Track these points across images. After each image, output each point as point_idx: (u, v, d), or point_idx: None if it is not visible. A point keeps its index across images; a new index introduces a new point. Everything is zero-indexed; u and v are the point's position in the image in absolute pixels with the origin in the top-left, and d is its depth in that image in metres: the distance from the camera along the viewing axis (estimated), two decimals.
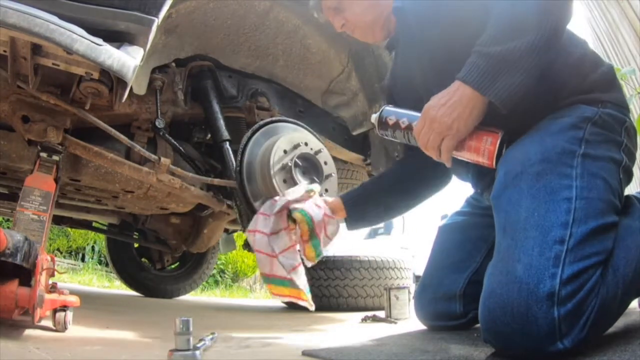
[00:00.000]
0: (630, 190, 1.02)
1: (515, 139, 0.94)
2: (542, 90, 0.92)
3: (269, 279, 1.14)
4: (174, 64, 1.59)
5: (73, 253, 9.31)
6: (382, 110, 1.09)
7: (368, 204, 1.30)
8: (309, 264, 1.23)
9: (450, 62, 0.97)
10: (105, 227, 2.86)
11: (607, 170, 0.87)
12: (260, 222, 1.16)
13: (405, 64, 1.21)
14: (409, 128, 1.03)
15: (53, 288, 1.02)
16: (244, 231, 1.60)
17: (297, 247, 1.20)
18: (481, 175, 1.16)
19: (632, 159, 0.95)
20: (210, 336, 1.01)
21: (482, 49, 0.88)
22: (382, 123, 1.08)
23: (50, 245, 8.24)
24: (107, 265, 6.76)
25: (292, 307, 2.75)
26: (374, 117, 1.10)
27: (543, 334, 0.71)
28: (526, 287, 0.73)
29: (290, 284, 1.14)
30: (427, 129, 0.93)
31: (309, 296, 1.17)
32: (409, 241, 7.69)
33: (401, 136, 1.07)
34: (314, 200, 1.22)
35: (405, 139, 1.06)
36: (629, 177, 0.95)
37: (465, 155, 0.96)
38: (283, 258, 1.13)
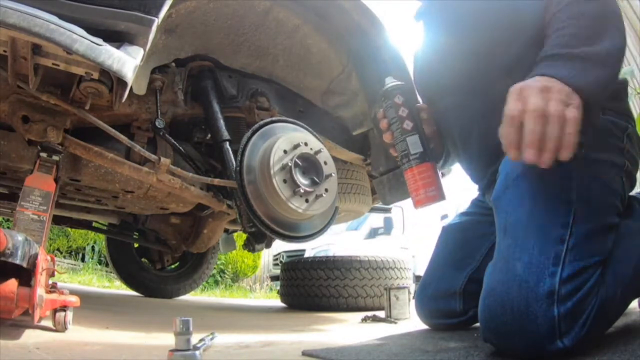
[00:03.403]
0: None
1: None
2: None
3: None
4: (174, 64, 1.59)
5: (73, 253, 9.32)
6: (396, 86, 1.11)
7: None
8: None
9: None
10: (105, 227, 2.86)
11: (608, 173, 0.87)
12: None
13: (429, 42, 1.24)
14: (410, 116, 1.08)
15: (53, 288, 1.02)
16: (244, 231, 1.60)
17: None
18: (481, 175, 1.17)
19: (635, 164, 0.95)
20: (210, 336, 1.01)
21: (568, 51, 0.78)
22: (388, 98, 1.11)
23: (50, 245, 8.24)
24: (107, 265, 6.76)
25: (292, 307, 2.75)
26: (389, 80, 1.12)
27: (543, 332, 0.71)
28: (526, 285, 0.73)
29: None
30: (543, 96, 0.71)
31: None
32: (409, 241, 7.70)
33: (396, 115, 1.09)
34: None
35: (389, 120, 1.09)
36: (631, 182, 0.95)
37: (418, 176, 1.05)
38: None
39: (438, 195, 1.04)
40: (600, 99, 0.79)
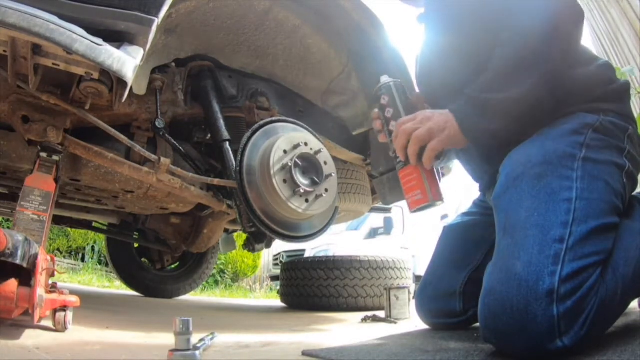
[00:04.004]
0: None
1: (516, 144, 0.95)
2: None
3: None
4: (174, 64, 1.59)
5: (73, 253, 9.32)
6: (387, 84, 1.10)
7: None
8: None
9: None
10: (105, 227, 2.86)
11: (608, 174, 0.87)
12: None
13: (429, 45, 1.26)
14: (395, 116, 1.06)
15: (53, 288, 1.02)
16: (244, 231, 1.60)
17: None
18: (481, 174, 1.17)
19: (636, 165, 0.95)
20: (210, 336, 1.01)
21: (476, 94, 0.94)
22: (377, 96, 1.12)
23: (50, 245, 8.24)
24: (107, 265, 6.76)
25: (292, 307, 2.75)
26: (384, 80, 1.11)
27: (542, 332, 0.71)
28: (526, 284, 0.73)
29: None
30: (418, 123, 0.98)
31: None
32: (409, 241, 7.69)
33: (383, 116, 1.09)
34: None
35: (382, 121, 1.09)
36: (633, 183, 0.95)
37: (402, 180, 1.04)
38: None
39: (424, 199, 1.00)
40: (488, 141, 0.95)
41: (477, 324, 1.11)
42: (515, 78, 0.90)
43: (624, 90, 1.00)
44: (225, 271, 9.54)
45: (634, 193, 0.99)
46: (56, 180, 1.21)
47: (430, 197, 1.00)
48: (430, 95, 1.23)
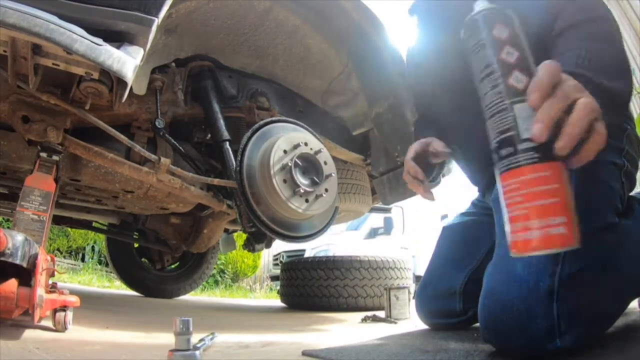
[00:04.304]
0: None
1: None
2: None
3: None
4: (174, 64, 1.59)
5: (73, 253, 9.32)
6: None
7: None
8: None
9: None
10: (105, 227, 2.86)
11: (607, 173, 0.87)
12: None
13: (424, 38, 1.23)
14: (523, 64, 0.63)
15: (53, 288, 1.02)
16: (244, 231, 1.60)
17: None
18: (481, 175, 1.17)
19: (635, 165, 0.95)
20: (210, 336, 1.01)
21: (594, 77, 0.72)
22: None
23: (50, 245, 8.24)
24: (107, 265, 6.76)
25: (292, 307, 2.75)
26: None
27: (542, 332, 0.71)
28: (525, 284, 0.73)
29: None
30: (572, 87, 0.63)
31: None
32: (409, 241, 7.69)
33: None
34: None
35: (496, 66, 0.64)
36: (631, 182, 0.95)
37: (518, 191, 0.60)
38: None
39: (569, 236, 0.56)
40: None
41: (477, 324, 1.11)
42: (621, 71, 0.76)
43: None
44: (225, 271, 9.54)
45: (632, 193, 0.99)
46: (56, 180, 1.21)
47: (575, 234, 0.57)
48: (424, 90, 1.22)
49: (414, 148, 1.14)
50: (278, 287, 4.49)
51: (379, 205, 2.80)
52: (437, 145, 1.11)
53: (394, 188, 2.03)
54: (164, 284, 3.01)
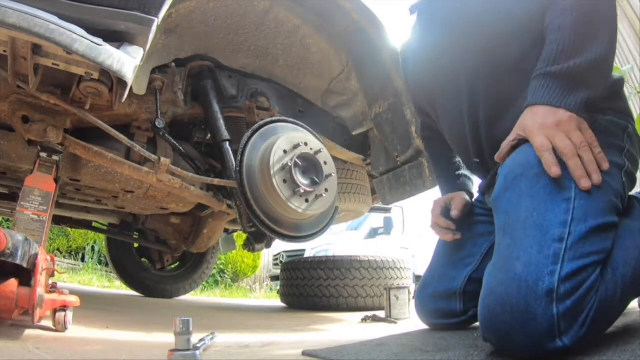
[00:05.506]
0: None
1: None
2: None
3: None
4: (174, 64, 1.60)
5: (73, 253, 9.32)
6: None
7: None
8: None
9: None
10: (105, 227, 2.86)
11: (607, 173, 0.87)
12: None
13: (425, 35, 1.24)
14: None
15: (53, 288, 1.02)
16: (244, 231, 1.60)
17: None
18: (479, 176, 1.17)
19: (635, 164, 0.95)
20: (210, 336, 1.01)
21: (547, 69, 0.85)
22: None
23: (50, 245, 8.24)
24: (107, 265, 6.76)
25: (292, 307, 2.75)
26: None
27: (542, 331, 0.71)
28: (525, 284, 0.73)
29: None
30: (562, 132, 0.82)
31: None
32: (409, 241, 7.69)
33: None
34: None
35: None
36: (632, 181, 0.95)
37: None
38: None
39: None
40: (590, 108, 0.85)
41: (477, 324, 1.11)
42: (590, 38, 0.84)
43: (620, 87, 1.00)
44: (225, 271, 9.54)
45: (632, 193, 0.98)
46: (56, 180, 1.21)
47: None
48: (424, 89, 1.22)
49: (439, 205, 1.28)
50: (278, 287, 4.49)
51: (379, 205, 2.80)
52: (458, 203, 1.24)
53: (394, 188, 2.03)
54: (164, 284, 3.01)
